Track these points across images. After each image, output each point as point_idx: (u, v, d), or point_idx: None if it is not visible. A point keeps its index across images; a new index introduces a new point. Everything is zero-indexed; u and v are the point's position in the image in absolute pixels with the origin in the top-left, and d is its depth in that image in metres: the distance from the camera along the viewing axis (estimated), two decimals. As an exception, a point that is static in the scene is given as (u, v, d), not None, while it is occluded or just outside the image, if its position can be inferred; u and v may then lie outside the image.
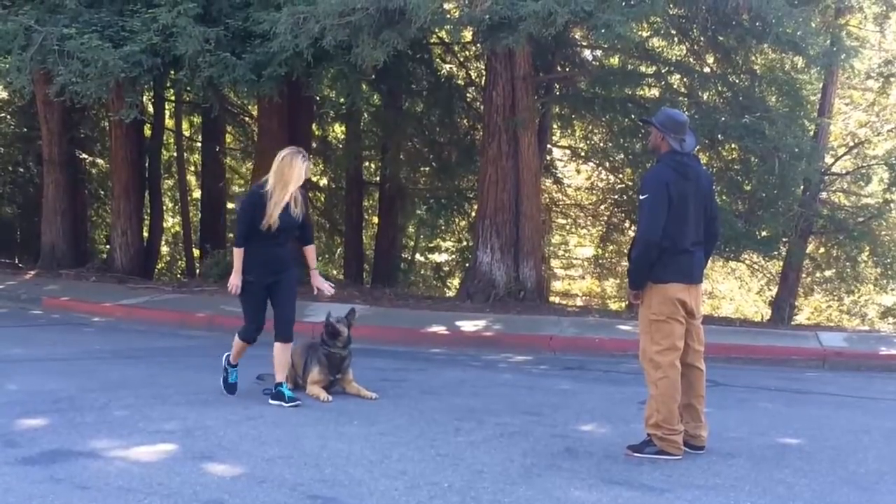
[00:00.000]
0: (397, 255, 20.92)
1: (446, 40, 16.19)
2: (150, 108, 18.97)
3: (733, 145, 13.36)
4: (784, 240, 13.83)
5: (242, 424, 5.56)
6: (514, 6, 9.54)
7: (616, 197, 18.59)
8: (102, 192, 21.98)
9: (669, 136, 5.07)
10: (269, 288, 6.26)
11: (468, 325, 10.76)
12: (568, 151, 20.18)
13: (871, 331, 15.32)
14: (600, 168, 19.38)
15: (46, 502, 3.96)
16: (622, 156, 16.40)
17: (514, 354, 9.39)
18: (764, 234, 13.11)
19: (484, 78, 14.67)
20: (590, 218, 21.93)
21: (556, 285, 25.17)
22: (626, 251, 6.43)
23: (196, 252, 21.03)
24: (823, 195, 15.15)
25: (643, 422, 5.09)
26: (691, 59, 14.37)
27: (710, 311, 17.96)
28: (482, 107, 14.77)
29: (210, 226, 20.45)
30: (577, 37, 15.08)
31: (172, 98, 19.29)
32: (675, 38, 13.85)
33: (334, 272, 22.41)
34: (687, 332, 5.05)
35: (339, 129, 21.06)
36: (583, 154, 19.26)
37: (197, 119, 22.36)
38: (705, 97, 13.78)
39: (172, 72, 12.56)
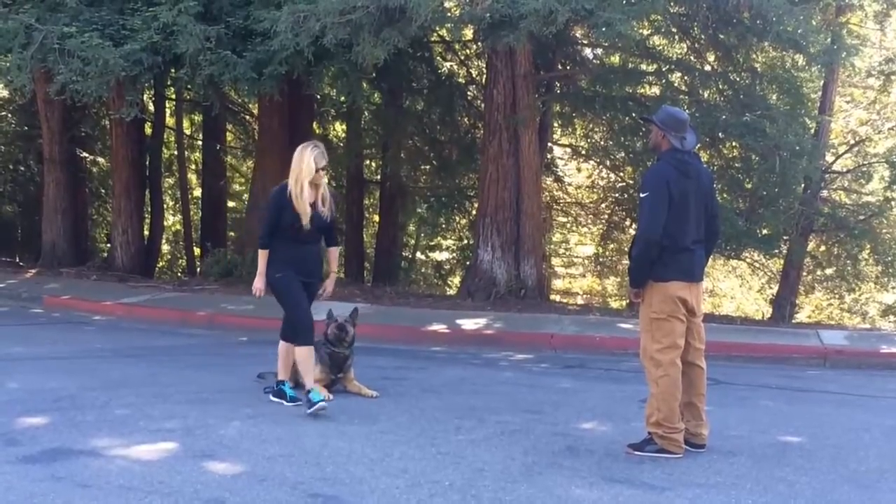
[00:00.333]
0: (398, 254, 20.93)
1: (447, 38, 16.18)
2: (151, 107, 18.97)
3: (734, 143, 13.36)
4: (785, 238, 13.83)
5: (243, 423, 5.56)
6: (514, 4, 9.54)
7: (617, 195, 18.58)
8: (103, 191, 21.98)
9: (670, 134, 5.06)
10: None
11: (469, 324, 10.76)
12: (569, 149, 20.18)
13: (872, 329, 15.32)
14: (601, 166, 19.37)
15: (47, 501, 3.96)
16: (623, 154, 16.40)
17: (515, 353, 9.39)
18: (765, 232, 13.11)
19: (485, 76, 14.66)
20: (590, 216, 21.92)
21: (557, 283, 25.18)
22: (626, 249, 6.42)
23: (197, 250, 21.04)
24: (824, 193, 15.15)
25: (644, 420, 5.09)
26: (692, 58, 14.36)
27: (710, 310, 17.95)
28: (483, 105, 14.76)
29: (211, 224, 20.46)
30: (577, 35, 15.07)
31: (173, 96, 19.27)
32: (676, 37, 13.84)
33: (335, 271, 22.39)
34: (688, 330, 5.05)
35: (339, 128, 21.06)
36: (583, 152, 19.26)
37: (198, 117, 22.36)
38: (706, 95, 13.76)
39: (173, 70, 12.57)
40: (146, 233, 18.25)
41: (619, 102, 14.33)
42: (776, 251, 14.12)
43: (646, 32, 13.51)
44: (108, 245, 18.57)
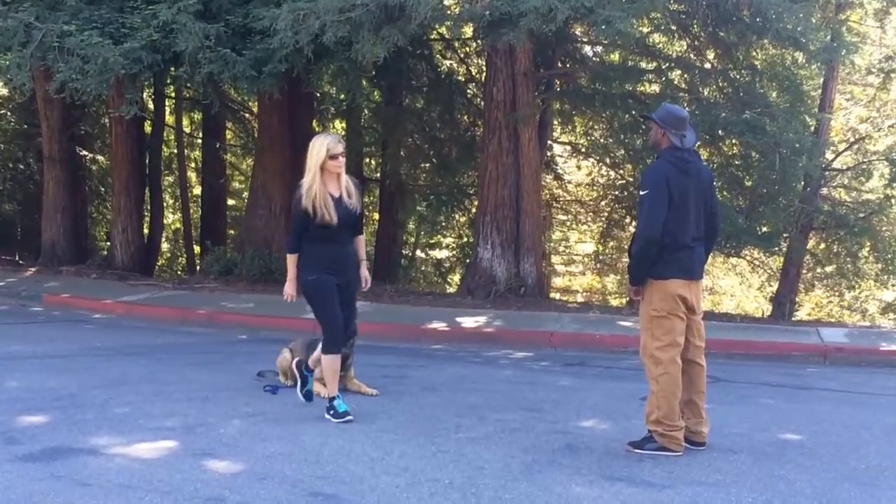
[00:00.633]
0: (398, 252, 20.92)
1: (447, 36, 16.16)
2: (151, 105, 18.95)
3: (734, 141, 13.34)
4: (785, 235, 13.82)
5: (243, 421, 5.57)
6: (514, 2, 9.53)
7: (616, 193, 18.57)
8: (103, 189, 21.97)
9: (670, 132, 5.06)
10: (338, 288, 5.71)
11: (469, 322, 10.76)
12: (568, 147, 20.18)
13: (872, 326, 15.31)
14: (601, 164, 19.36)
15: (47, 499, 3.96)
16: (622, 152, 16.39)
17: (515, 351, 9.39)
18: (765, 229, 13.10)
19: (484, 74, 14.65)
20: (590, 214, 21.92)
21: (557, 281, 25.19)
22: (626, 247, 6.41)
23: (196, 249, 21.04)
24: (824, 191, 15.15)
25: (644, 418, 5.09)
26: (692, 55, 14.35)
27: (710, 307, 17.97)
28: (482, 103, 14.75)
29: (210, 222, 20.47)
30: (577, 33, 15.07)
31: (173, 94, 19.26)
32: (676, 34, 13.84)
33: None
34: (688, 328, 5.05)
35: (339, 126, 21.03)
36: (583, 150, 19.26)
37: (197, 115, 22.35)
38: (706, 93, 13.76)
39: (172, 68, 12.54)
40: (146, 231, 18.24)
41: (619, 100, 14.32)
42: (776, 249, 14.12)
43: (645, 30, 13.50)
44: (108, 243, 18.57)
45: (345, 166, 5.76)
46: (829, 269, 17.68)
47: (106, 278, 14.85)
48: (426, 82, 17.20)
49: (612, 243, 20.57)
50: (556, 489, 4.32)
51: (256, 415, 5.75)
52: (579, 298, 23.02)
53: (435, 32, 15.25)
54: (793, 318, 14.52)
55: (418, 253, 24.09)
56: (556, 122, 18.07)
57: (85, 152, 19.75)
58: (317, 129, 19.85)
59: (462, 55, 18.00)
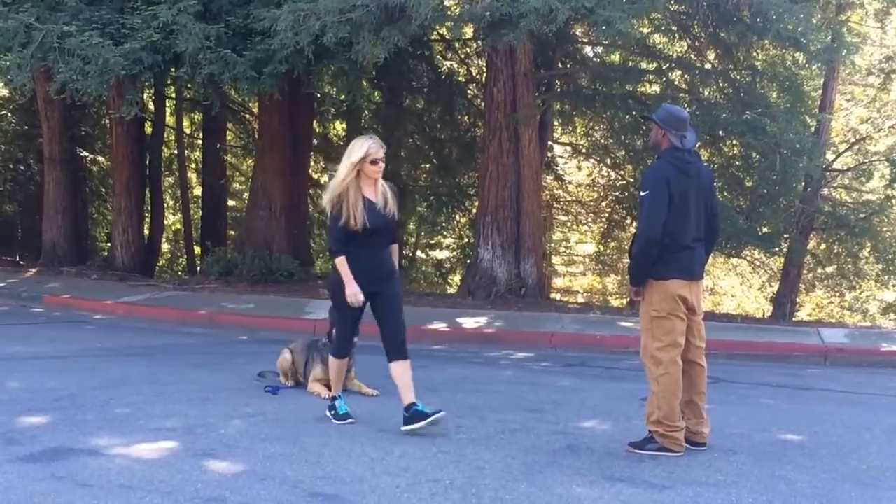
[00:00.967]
0: (398, 252, 20.87)
1: (447, 37, 16.17)
2: (151, 106, 18.96)
3: (734, 141, 13.34)
4: (785, 236, 13.82)
5: (243, 422, 5.56)
6: (514, 3, 9.53)
7: (617, 193, 18.57)
8: (103, 190, 21.96)
9: (670, 133, 5.06)
10: (371, 297, 5.49)
11: (469, 322, 10.76)
12: (569, 148, 20.18)
13: (873, 327, 15.30)
14: (601, 164, 19.37)
15: (47, 500, 3.95)
16: (623, 152, 16.39)
17: (516, 351, 9.39)
18: (765, 230, 13.10)
19: (485, 75, 14.65)
20: (591, 214, 21.92)
21: (558, 282, 25.17)
22: (627, 248, 6.42)
23: (197, 249, 21.02)
24: (825, 191, 15.14)
25: (644, 418, 5.09)
26: (692, 56, 14.35)
27: (711, 308, 17.96)
28: (483, 103, 14.75)
29: (211, 223, 20.45)
30: (577, 33, 15.07)
31: (173, 95, 19.25)
32: (676, 35, 13.85)
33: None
34: (688, 328, 5.05)
35: (339, 127, 21.05)
36: (584, 150, 19.26)
37: (198, 116, 22.34)
38: (706, 93, 13.76)
39: (173, 69, 12.55)
40: (146, 232, 18.24)
41: (620, 101, 14.33)
42: (776, 249, 14.11)
43: (646, 31, 13.51)
44: (109, 244, 18.56)
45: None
46: (829, 269, 17.67)
47: (106, 279, 14.85)
48: (426, 83, 17.21)
49: (612, 244, 20.58)
50: (557, 490, 4.31)
51: (257, 415, 5.75)
52: (580, 299, 23.01)
53: (435, 33, 15.26)
54: (793, 319, 14.51)
55: (419, 253, 24.07)
56: (556, 123, 18.08)
57: (85, 153, 19.75)
58: (317, 130, 19.92)
59: (462, 56, 18.01)
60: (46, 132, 16.96)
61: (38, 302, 12.34)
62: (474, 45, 16.71)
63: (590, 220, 22.27)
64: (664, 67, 14.43)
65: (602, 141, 17.75)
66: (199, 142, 22.69)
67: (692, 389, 5.08)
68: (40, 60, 11.70)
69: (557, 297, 21.02)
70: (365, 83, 14.99)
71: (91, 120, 19.94)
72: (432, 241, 23.67)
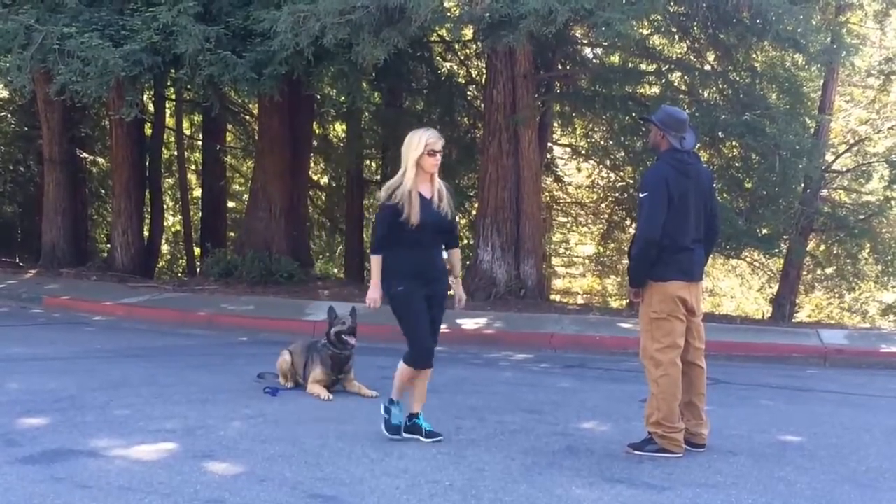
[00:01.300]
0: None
1: (447, 38, 16.18)
2: (151, 107, 18.96)
3: (734, 143, 13.35)
4: (785, 237, 13.82)
5: (243, 423, 5.57)
6: (514, 4, 9.53)
7: (617, 195, 18.59)
8: (103, 191, 21.98)
9: (670, 134, 5.06)
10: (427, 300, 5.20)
11: (469, 323, 10.76)
12: (568, 149, 20.18)
13: (872, 328, 15.32)
14: (601, 166, 19.37)
15: (47, 501, 3.95)
16: (623, 154, 16.40)
17: (515, 352, 9.39)
18: (765, 231, 13.10)
19: (484, 76, 14.66)
20: (590, 216, 21.93)
21: (557, 283, 25.17)
22: (626, 249, 6.41)
23: (197, 251, 21.03)
24: (824, 192, 15.14)
25: (644, 420, 5.09)
26: (692, 57, 14.36)
27: (710, 309, 17.95)
28: (483, 105, 14.75)
29: (211, 224, 20.45)
30: (577, 35, 15.07)
31: (173, 97, 19.27)
32: (676, 36, 13.84)
33: (335, 270, 22.42)
34: (687, 329, 5.05)
35: (339, 128, 21.05)
36: (583, 152, 19.26)
37: (197, 117, 22.36)
38: (706, 95, 13.76)
39: (173, 70, 12.56)
40: (146, 233, 18.25)
41: (619, 102, 14.33)
42: (776, 250, 14.10)
43: (645, 32, 13.52)
44: (108, 245, 18.57)
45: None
46: (829, 270, 17.67)
47: (106, 280, 14.85)
48: (426, 84, 17.21)
49: (612, 245, 20.58)
50: (557, 491, 4.32)
51: (256, 417, 5.75)
52: (579, 300, 23.01)
53: (435, 34, 15.27)
54: (793, 320, 14.52)
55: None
56: (556, 124, 18.07)
57: (85, 154, 19.77)
58: (317, 132, 19.91)
59: (462, 57, 18.02)
60: (46, 133, 16.96)
61: (37, 303, 12.34)
62: (474, 46, 16.72)
63: (589, 221, 22.28)
64: (664, 69, 14.43)
65: (602, 142, 17.76)
66: (199, 143, 22.69)
67: (691, 391, 5.08)
68: (40, 62, 11.70)
69: (557, 298, 21.00)
70: (365, 84, 15.00)
71: (91, 121, 19.95)
72: (432, 243, 23.61)
